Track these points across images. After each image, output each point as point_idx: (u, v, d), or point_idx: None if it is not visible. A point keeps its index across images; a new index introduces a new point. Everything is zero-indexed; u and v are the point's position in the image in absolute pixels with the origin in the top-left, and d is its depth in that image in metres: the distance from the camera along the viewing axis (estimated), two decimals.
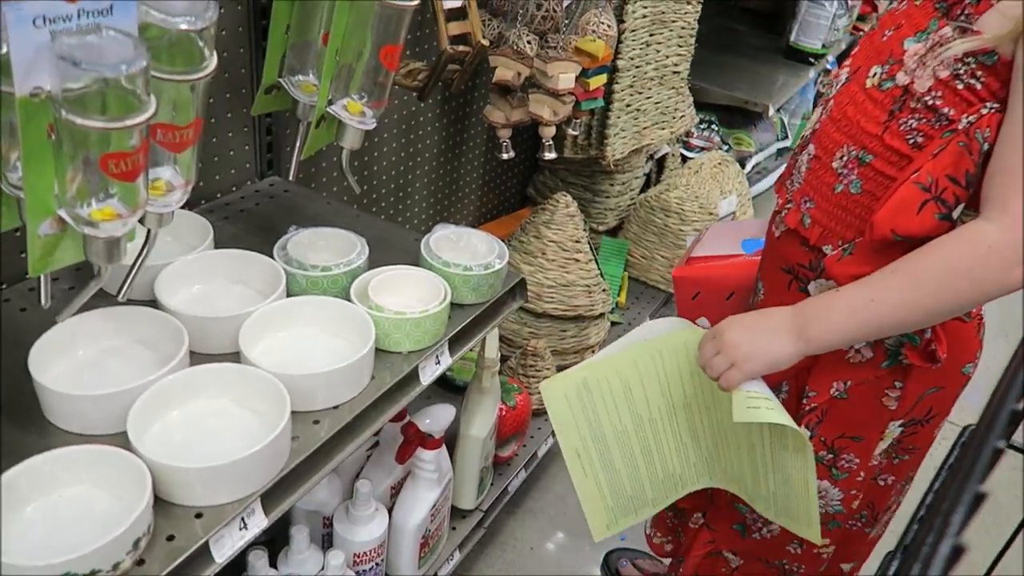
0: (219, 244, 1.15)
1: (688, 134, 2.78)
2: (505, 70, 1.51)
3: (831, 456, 1.09)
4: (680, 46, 2.14)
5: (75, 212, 0.69)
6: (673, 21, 2.07)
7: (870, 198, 0.94)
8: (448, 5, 1.27)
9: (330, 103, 1.11)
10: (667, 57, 2.11)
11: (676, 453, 1.13)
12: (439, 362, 1.08)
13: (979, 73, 0.84)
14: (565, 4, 1.49)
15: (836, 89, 1.02)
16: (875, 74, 0.95)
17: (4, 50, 0.62)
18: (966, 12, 0.86)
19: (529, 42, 1.63)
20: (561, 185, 2.34)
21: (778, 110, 3.15)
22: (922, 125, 0.89)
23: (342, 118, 1.11)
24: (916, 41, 0.90)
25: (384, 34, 1.05)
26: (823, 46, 3.06)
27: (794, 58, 3.10)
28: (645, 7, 1.94)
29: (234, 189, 1.40)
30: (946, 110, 0.87)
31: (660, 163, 2.59)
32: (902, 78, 0.91)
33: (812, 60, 3.08)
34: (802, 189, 1.04)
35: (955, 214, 0.88)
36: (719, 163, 2.52)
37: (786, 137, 3.15)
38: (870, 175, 0.94)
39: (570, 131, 1.71)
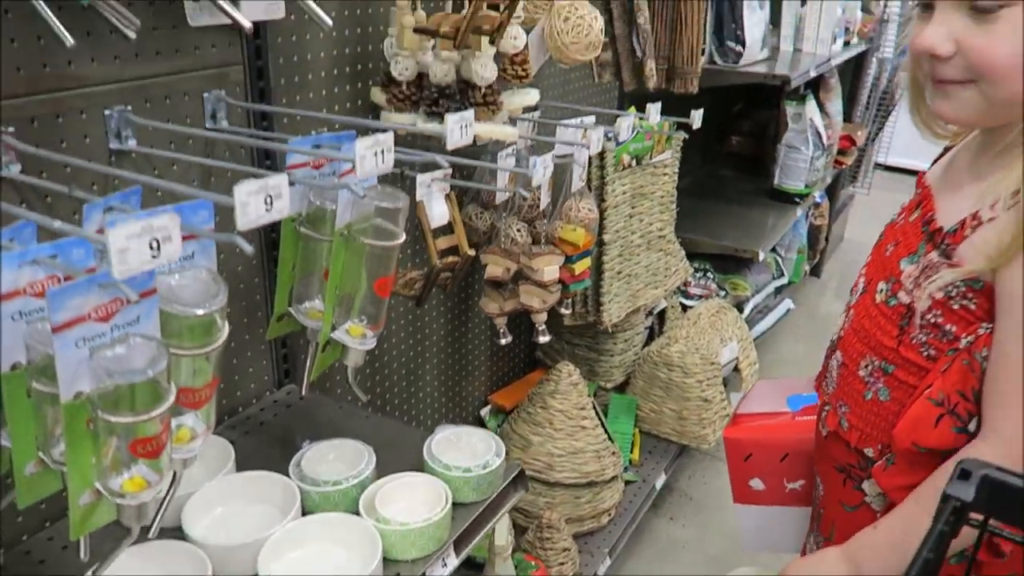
0: (240, 460, 1.25)
1: (685, 283, 2.91)
2: (495, 267, 1.65)
3: None
4: (662, 212, 2.30)
5: (108, 485, 0.80)
6: (652, 191, 2.24)
7: (898, 405, 0.99)
8: (435, 224, 1.42)
9: (333, 328, 1.24)
10: (651, 224, 2.27)
11: None
12: (445, 564, 1.15)
13: (970, 295, 0.90)
14: (545, 202, 1.65)
15: (855, 298, 1.08)
16: (882, 290, 1.01)
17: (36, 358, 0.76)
18: (945, 242, 0.93)
19: (519, 230, 1.79)
20: (566, 347, 2.46)
21: (773, 249, 3.29)
22: (931, 340, 0.95)
23: (345, 342, 1.24)
24: (910, 262, 0.97)
25: (376, 269, 1.20)
26: (805, 186, 3.24)
27: (780, 199, 3.27)
28: (624, 185, 2.11)
29: (254, 401, 1.52)
30: (949, 327, 0.92)
31: (661, 315, 2.71)
32: (904, 297, 0.97)
33: (797, 200, 3.25)
34: (836, 393, 1.09)
35: (971, 427, 0.91)
36: (717, 311, 2.63)
37: (782, 275, 3.27)
38: (895, 384, 0.99)
39: (562, 310, 1.84)
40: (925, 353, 0.96)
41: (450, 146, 1.04)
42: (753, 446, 1.34)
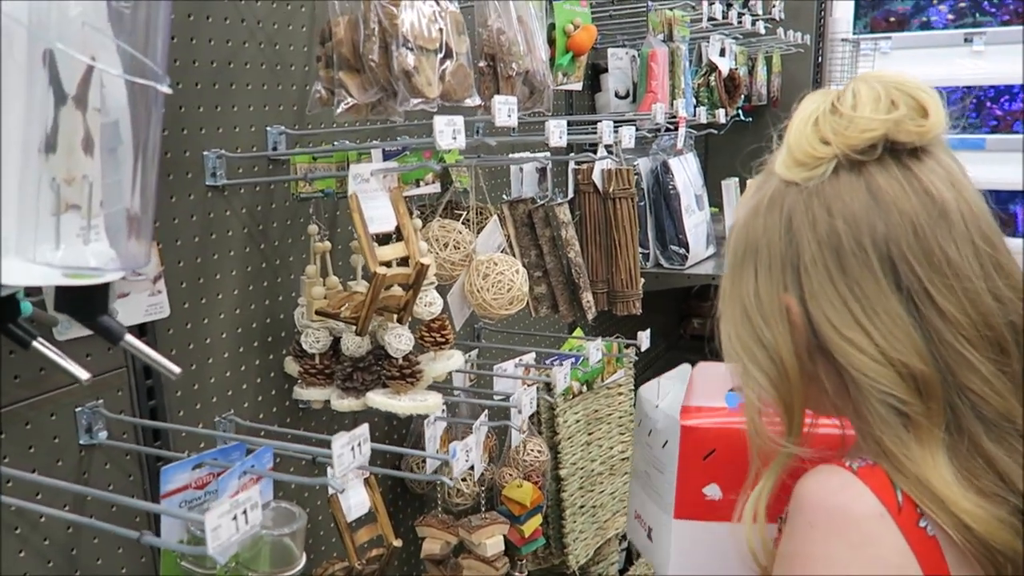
0: None
1: None
2: (432, 542, 1.48)
3: None
4: (622, 433, 2.16)
5: None
6: (609, 414, 2.11)
7: None
8: (353, 516, 1.26)
9: None
10: (612, 448, 2.12)
11: None
12: None
13: None
14: (481, 473, 1.49)
15: None
16: None
17: None
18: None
19: (460, 491, 1.63)
20: None
21: None
22: None
23: None
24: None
25: None
26: None
27: None
28: (576, 413, 1.98)
29: None
30: None
31: None
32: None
33: None
34: None
35: None
36: None
37: None
38: None
39: (516, 574, 1.64)
40: None
41: (340, 474, 0.90)
42: (718, 440, 1.07)
